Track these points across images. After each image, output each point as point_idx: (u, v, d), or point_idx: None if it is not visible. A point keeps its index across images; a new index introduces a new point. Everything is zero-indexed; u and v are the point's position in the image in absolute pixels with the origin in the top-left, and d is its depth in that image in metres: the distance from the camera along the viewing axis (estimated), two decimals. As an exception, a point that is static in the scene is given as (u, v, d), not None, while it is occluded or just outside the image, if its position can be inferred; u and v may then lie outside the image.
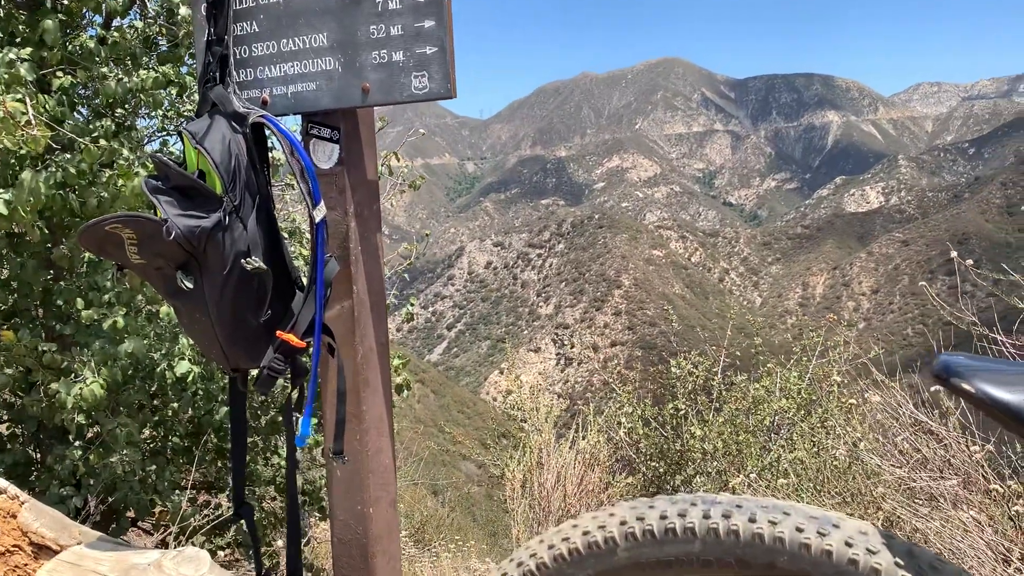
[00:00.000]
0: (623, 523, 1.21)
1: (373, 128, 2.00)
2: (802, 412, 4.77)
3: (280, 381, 2.15)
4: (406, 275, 6.56)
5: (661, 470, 5.00)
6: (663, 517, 1.18)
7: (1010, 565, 2.40)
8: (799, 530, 1.08)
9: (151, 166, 3.28)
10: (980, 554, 2.43)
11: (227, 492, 4.47)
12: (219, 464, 4.43)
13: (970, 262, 3.02)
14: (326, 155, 1.85)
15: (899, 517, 2.83)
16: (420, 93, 1.76)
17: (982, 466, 2.70)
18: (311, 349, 1.79)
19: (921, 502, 2.82)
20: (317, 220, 1.74)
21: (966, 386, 0.94)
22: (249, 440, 4.38)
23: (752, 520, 1.11)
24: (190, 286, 1.67)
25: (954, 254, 3.00)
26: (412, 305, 5.72)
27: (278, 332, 1.74)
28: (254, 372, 1.96)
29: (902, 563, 1.02)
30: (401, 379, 4.60)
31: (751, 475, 4.23)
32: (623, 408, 5.28)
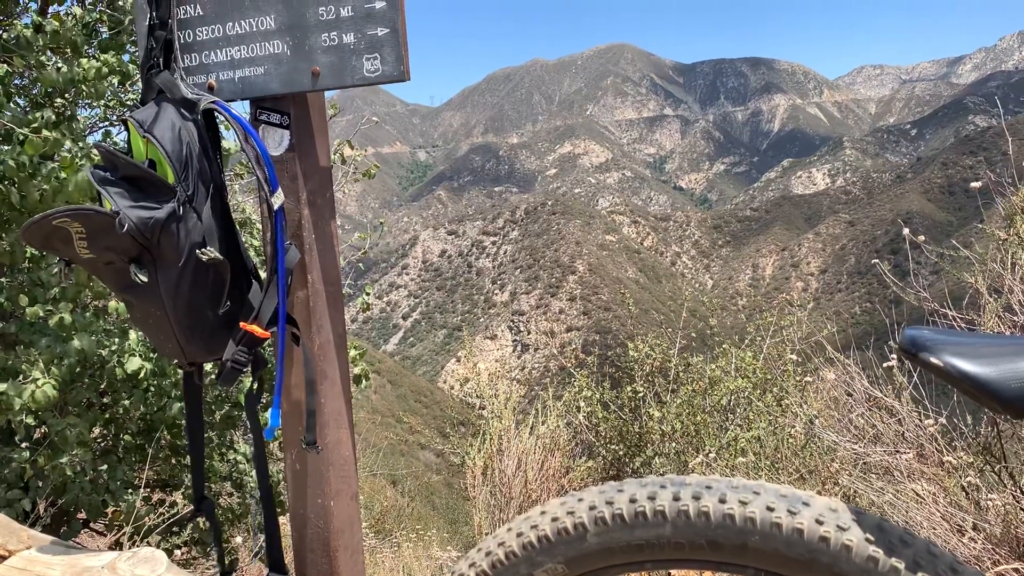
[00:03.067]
0: (592, 508, 1.19)
1: (324, 113, 1.95)
2: (758, 391, 4.84)
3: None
4: (360, 264, 6.48)
5: (621, 453, 5.03)
6: (633, 501, 1.17)
7: (964, 535, 2.45)
8: (770, 509, 1.08)
9: (96, 157, 3.17)
10: (935, 525, 2.48)
11: (182, 490, 4.39)
12: (173, 462, 4.34)
13: (922, 238, 3.07)
14: (276, 141, 1.80)
15: (855, 492, 2.87)
16: (372, 76, 1.71)
17: (935, 439, 2.76)
18: (270, 340, 1.75)
19: (877, 476, 2.87)
20: (276, 207, 1.69)
21: (934, 360, 0.94)
22: (204, 436, 4.29)
23: (723, 501, 1.10)
24: (145, 279, 1.61)
25: (906, 231, 3.05)
26: (368, 294, 5.66)
27: (242, 323, 1.70)
28: (208, 366, 1.91)
29: (872, 539, 1.03)
30: (359, 370, 4.55)
31: (710, 455, 4.27)
32: (582, 392, 5.30)
